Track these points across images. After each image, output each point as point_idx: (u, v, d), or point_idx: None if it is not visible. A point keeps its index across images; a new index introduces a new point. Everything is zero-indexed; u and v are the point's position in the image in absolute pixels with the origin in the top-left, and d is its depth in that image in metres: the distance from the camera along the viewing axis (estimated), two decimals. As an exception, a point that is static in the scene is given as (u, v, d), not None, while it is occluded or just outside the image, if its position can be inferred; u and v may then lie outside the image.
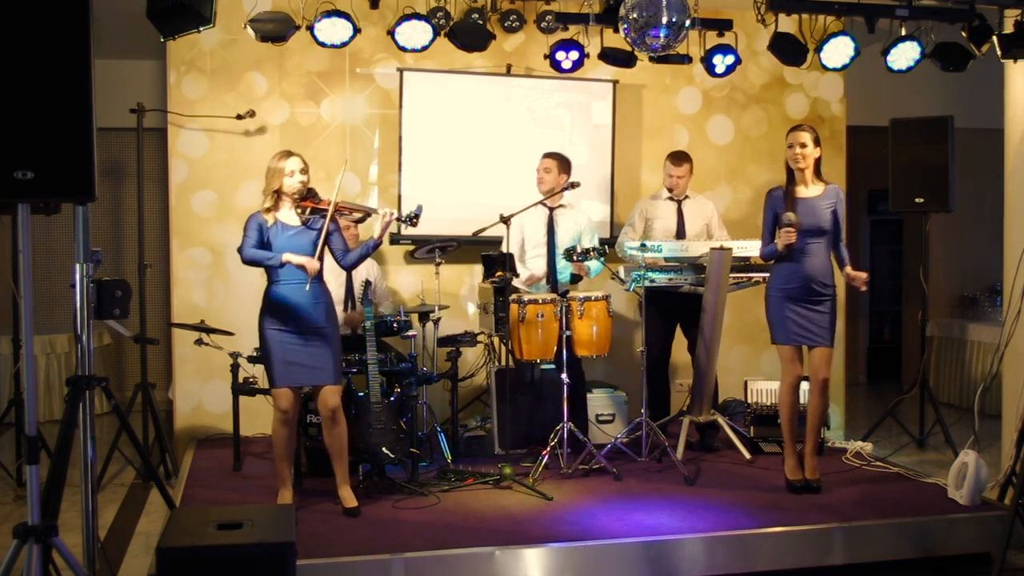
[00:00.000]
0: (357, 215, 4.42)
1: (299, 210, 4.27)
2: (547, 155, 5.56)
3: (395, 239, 6.13)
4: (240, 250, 4.25)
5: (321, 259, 4.27)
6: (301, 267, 4.16)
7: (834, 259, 4.67)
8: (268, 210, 4.24)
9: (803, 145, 4.57)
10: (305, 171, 4.25)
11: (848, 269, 4.65)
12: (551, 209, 5.50)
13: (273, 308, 4.24)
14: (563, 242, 5.43)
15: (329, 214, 4.21)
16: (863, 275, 4.61)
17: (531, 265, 5.48)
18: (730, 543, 4.04)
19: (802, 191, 4.61)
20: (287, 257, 4.17)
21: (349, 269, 4.42)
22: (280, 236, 4.22)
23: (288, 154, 4.26)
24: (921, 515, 4.29)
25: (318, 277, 4.25)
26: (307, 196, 4.28)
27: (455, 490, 4.69)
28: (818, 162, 4.63)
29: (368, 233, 4.56)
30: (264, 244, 4.23)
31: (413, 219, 4.31)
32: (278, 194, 4.24)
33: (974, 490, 4.37)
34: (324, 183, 5.42)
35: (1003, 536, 3.80)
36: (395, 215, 4.27)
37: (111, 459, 5.56)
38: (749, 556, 4.04)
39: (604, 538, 3.98)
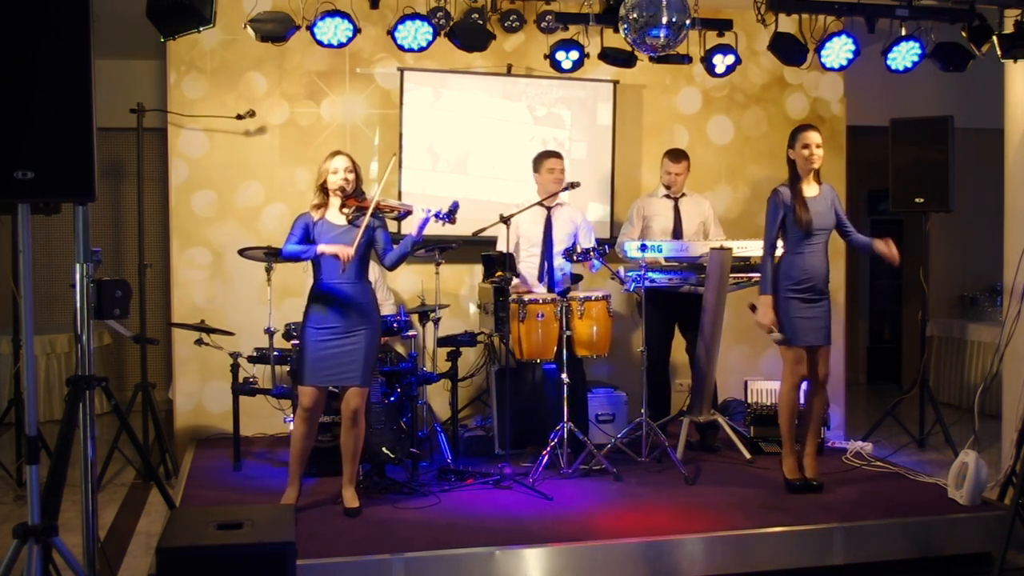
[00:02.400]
0: (396, 213, 4.46)
1: (345, 209, 4.32)
2: (558, 155, 5.50)
3: (395, 239, 6.13)
4: (281, 248, 4.34)
5: (365, 258, 4.32)
6: (335, 255, 4.20)
7: (858, 246, 4.72)
8: (316, 207, 4.32)
9: (818, 145, 4.60)
10: (350, 170, 4.30)
11: (876, 241, 4.64)
12: (549, 209, 5.50)
13: (315, 306, 4.29)
14: (559, 241, 5.42)
15: (369, 211, 4.26)
16: (894, 250, 4.60)
17: (524, 266, 5.42)
18: (730, 543, 4.04)
19: (807, 191, 4.62)
20: (321, 248, 4.23)
21: (391, 268, 4.47)
22: (325, 234, 4.28)
23: (336, 153, 4.35)
24: (921, 515, 4.29)
25: (360, 276, 4.29)
26: (352, 195, 4.32)
27: (455, 490, 4.69)
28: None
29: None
30: (309, 242, 4.30)
31: (451, 215, 4.38)
32: (325, 191, 4.30)
33: (974, 490, 4.37)
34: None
35: (1003, 536, 3.80)
36: (432, 212, 4.33)
37: (111, 459, 5.56)
38: (749, 556, 4.04)
39: (604, 538, 3.98)
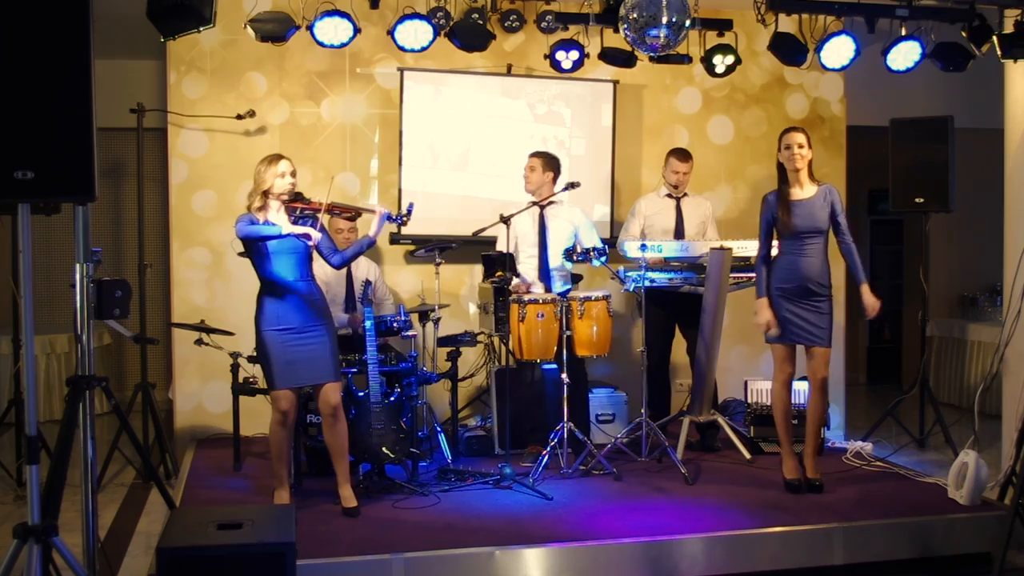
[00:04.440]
0: (350, 214, 4.48)
1: (288, 212, 4.29)
2: (532, 154, 5.54)
3: (395, 239, 6.14)
4: (237, 228, 4.21)
5: (311, 259, 4.30)
6: (305, 236, 4.17)
7: (846, 256, 4.65)
8: (260, 209, 4.25)
9: (800, 146, 4.58)
10: (294, 174, 4.28)
11: (865, 289, 4.60)
12: (542, 208, 5.50)
13: (268, 310, 4.23)
14: (555, 241, 5.43)
15: (322, 212, 4.24)
16: (876, 304, 4.58)
17: (523, 267, 5.43)
18: (730, 543, 4.04)
19: (796, 193, 4.61)
20: (288, 228, 4.17)
21: (340, 267, 4.45)
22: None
23: (278, 157, 4.28)
24: (921, 515, 4.29)
25: (311, 276, 4.28)
26: (295, 199, 4.30)
27: (455, 490, 4.69)
28: (810, 163, 4.64)
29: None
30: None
31: (404, 217, 4.39)
32: (266, 196, 4.25)
33: (974, 490, 4.37)
34: (324, 183, 5.44)
35: (1003, 536, 3.80)
36: (386, 213, 4.32)
37: (111, 459, 5.56)
38: (749, 556, 4.04)
39: (604, 538, 3.98)
